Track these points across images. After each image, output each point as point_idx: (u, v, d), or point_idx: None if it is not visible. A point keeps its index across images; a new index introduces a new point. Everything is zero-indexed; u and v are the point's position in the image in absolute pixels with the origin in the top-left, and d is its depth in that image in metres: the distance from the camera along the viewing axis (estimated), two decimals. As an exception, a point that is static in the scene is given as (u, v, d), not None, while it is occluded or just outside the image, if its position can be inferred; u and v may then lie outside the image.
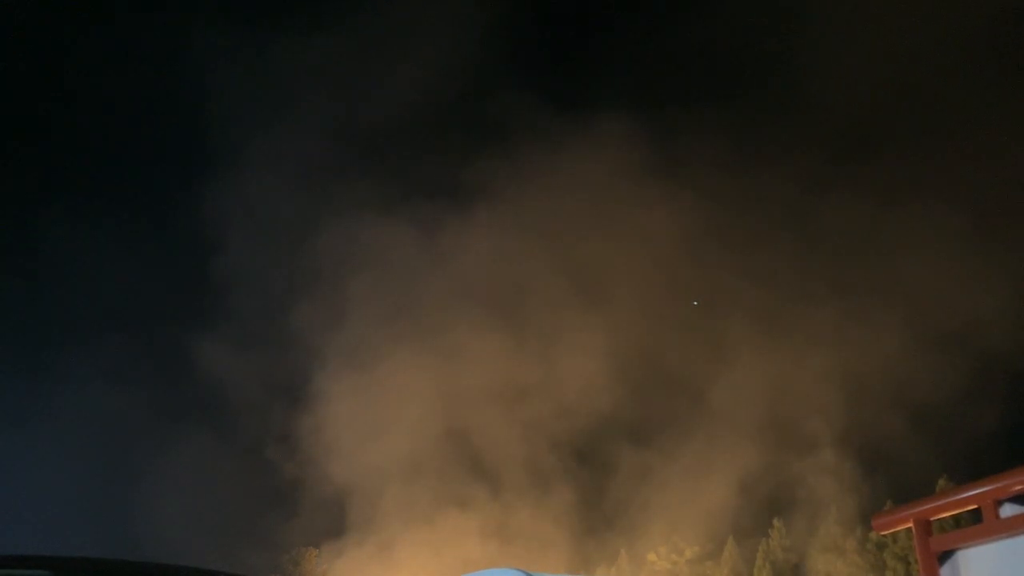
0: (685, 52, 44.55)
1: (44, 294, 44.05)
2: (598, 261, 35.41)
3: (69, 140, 48.72)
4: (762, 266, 34.11)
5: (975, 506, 7.15)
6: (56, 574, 3.54)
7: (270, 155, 37.51)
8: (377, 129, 38.87)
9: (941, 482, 25.88)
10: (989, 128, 33.96)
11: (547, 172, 35.85)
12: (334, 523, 31.40)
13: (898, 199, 32.46)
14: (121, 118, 48.13)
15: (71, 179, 46.56)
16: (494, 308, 33.86)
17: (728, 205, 35.22)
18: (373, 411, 32.36)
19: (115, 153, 50.20)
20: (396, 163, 43.70)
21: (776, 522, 29.92)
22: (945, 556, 7.32)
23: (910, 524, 7.56)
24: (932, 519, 7.63)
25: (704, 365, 32.98)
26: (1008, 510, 6.87)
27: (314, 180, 38.76)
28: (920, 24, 33.30)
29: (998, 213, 31.67)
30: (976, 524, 7.22)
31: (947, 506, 7.62)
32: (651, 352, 33.09)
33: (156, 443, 36.33)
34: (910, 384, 28.86)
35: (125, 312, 42.69)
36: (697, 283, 35.27)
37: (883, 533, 20.56)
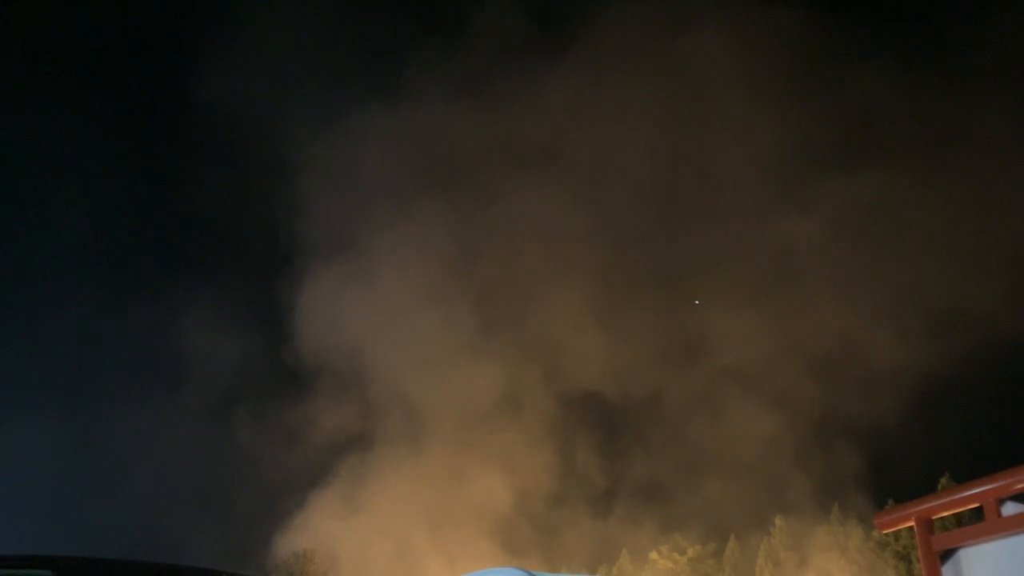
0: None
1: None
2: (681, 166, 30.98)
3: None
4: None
5: (977, 504, 7.18)
6: (58, 574, 3.54)
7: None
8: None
9: (943, 480, 25.85)
10: None
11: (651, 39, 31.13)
12: (334, 517, 31.36)
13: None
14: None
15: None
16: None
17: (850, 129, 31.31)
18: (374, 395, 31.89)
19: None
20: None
21: (778, 520, 29.91)
22: (947, 555, 7.33)
23: (912, 523, 7.58)
24: (934, 518, 7.65)
25: (713, 350, 32.14)
26: (1010, 508, 6.89)
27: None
28: None
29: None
30: (978, 522, 7.24)
31: (949, 504, 7.65)
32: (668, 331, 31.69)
33: (153, 436, 35.61)
34: (913, 382, 28.83)
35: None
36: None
37: (885, 532, 20.61)
